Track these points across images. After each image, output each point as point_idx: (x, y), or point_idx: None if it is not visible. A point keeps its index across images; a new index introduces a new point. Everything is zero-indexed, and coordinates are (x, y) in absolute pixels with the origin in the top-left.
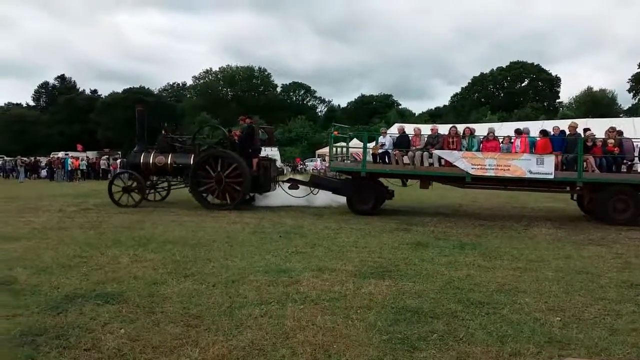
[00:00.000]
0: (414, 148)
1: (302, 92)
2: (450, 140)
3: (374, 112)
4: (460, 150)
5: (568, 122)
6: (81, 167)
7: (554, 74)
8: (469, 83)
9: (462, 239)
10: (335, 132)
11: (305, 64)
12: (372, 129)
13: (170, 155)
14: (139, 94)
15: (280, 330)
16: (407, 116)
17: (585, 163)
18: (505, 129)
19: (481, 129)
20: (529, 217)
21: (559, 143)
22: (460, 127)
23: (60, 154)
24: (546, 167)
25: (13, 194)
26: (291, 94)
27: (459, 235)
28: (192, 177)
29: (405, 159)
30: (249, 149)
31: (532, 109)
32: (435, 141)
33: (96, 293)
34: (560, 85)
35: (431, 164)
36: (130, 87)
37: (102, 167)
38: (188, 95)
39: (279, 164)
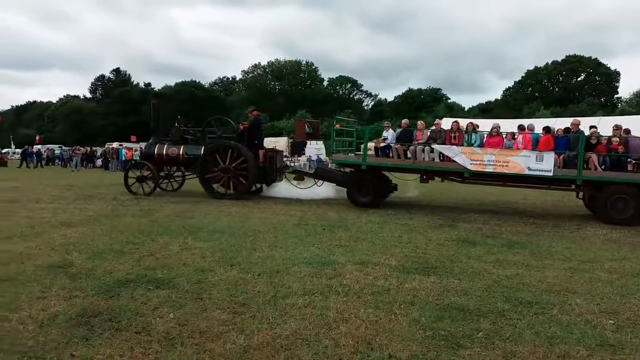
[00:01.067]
0: (415, 142)
1: (349, 85)
2: (453, 135)
3: (421, 106)
4: (462, 145)
5: (630, 118)
6: (134, 158)
7: (612, 68)
8: (522, 77)
9: (512, 237)
10: (337, 125)
11: (352, 57)
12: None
13: (182, 147)
14: (190, 88)
15: (323, 321)
16: (456, 110)
17: (588, 161)
18: (559, 124)
19: (537, 125)
20: (582, 216)
21: (562, 141)
22: (509, 123)
23: (115, 145)
24: (545, 164)
25: (69, 182)
26: (337, 87)
27: (508, 233)
28: (201, 167)
29: (408, 154)
30: (255, 141)
31: (589, 104)
32: (438, 136)
33: (147, 278)
34: (619, 80)
35: (433, 159)
36: (182, 81)
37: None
38: (237, 89)
39: (323, 157)
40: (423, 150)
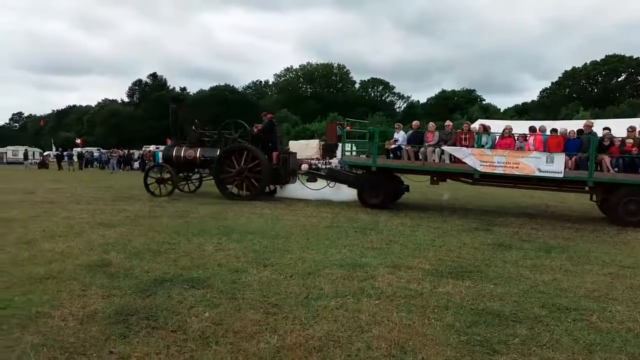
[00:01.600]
0: (426, 144)
1: (381, 88)
2: (463, 136)
3: (455, 107)
4: (473, 147)
5: None
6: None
7: None
8: (559, 77)
9: (549, 242)
10: (348, 127)
11: (384, 59)
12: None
13: (199, 150)
14: (223, 92)
15: (355, 324)
16: (491, 112)
17: (601, 163)
18: (598, 125)
19: (574, 127)
20: None
21: (574, 143)
22: (546, 124)
23: (152, 148)
24: (556, 165)
25: (107, 184)
26: (369, 90)
27: (546, 237)
28: (216, 169)
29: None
30: (269, 143)
31: (630, 105)
32: (448, 137)
33: (183, 278)
34: None
35: (443, 160)
36: (216, 85)
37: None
38: (269, 93)
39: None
40: (434, 152)
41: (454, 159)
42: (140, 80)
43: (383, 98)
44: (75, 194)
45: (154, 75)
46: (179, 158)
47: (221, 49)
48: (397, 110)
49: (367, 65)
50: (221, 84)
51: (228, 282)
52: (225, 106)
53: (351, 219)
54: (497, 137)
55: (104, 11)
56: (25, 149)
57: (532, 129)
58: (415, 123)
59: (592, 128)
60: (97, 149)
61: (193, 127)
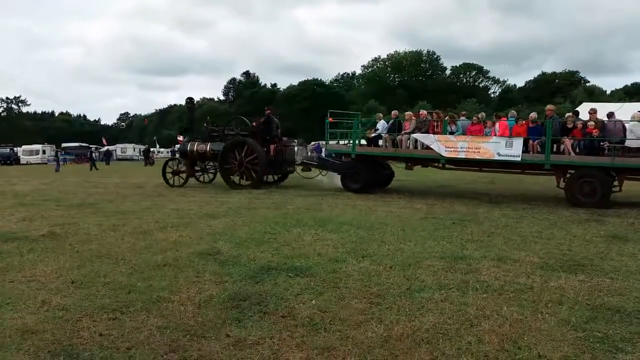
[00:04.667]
0: (402, 132)
1: (474, 73)
2: (435, 124)
3: (556, 91)
4: (444, 134)
5: None
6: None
7: None
8: None
9: None
10: (330, 119)
11: (478, 42)
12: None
13: (209, 144)
14: (312, 86)
15: (463, 317)
16: (596, 94)
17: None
18: None
19: None
20: None
21: (536, 128)
22: None
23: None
24: (514, 149)
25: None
26: (461, 75)
27: None
28: (220, 161)
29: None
30: (267, 136)
31: None
32: (422, 125)
33: (287, 266)
34: None
35: (416, 147)
36: (305, 80)
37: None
38: (357, 84)
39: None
40: (409, 139)
41: (425, 146)
42: (234, 79)
43: (476, 84)
44: (180, 187)
45: (247, 73)
46: (193, 152)
47: (311, 43)
48: (492, 95)
49: (459, 50)
50: (310, 78)
51: (329, 271)
52: (314, 100)
53: (448, 210)
54: (468, 124)
55: (200, 12)
56: (147, 147)
57: (497, 116)
58: (394, 112)
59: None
60: None
61: (204, 124)
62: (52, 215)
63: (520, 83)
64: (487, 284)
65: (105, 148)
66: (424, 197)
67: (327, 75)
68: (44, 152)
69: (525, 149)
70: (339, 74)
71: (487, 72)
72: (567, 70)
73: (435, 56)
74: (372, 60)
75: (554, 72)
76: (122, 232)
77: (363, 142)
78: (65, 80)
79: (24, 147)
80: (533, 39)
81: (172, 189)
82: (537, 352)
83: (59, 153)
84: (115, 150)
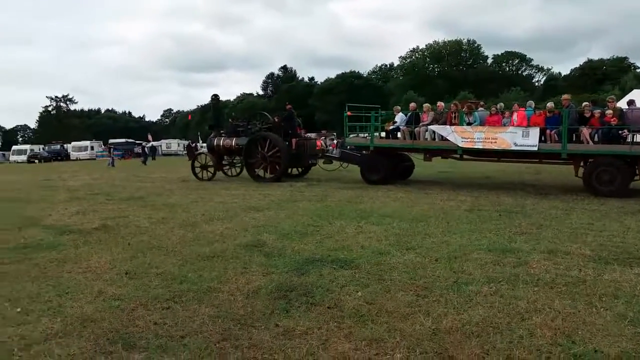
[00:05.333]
0: (420, 124)
1: (516, 61)
2: (453, 115)
3: (604, 78)
4: (461, 125)
5: None
6: (323, 147)
7: None
8: None
9: None
10: (349, 113)
11: (520, 30)
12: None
13: (234, 139)
14: (350, 78)
15: (513, 311)
16: None
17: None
18: None
19: None
20: None
21: (554, 117)
22: None
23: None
24: (531, 139)
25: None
26: (503, 64)
27: None
28: (244, 155)
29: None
30: (289, 131)
31: None
32: (440, 117)
33: (331, 258)
34: None
35: (434, 139)
36: (342, 72)
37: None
38: (395, 76)
39: None
40: (426, 131)
41: (442, 137)
42: (272, 74)
43: (519, 72)
44: (223, 180)
45: (284, 68)
46: (219, 147)
47: (347, 35)
48: (536, 84)
49: (500, 38)
50: (347, 71)
51: (373, 263)
52: (352, 92)
53: (494, 202)
54: (486, 115)
55: (235, 8)
56: (190, 142)
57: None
58: (412, 105)
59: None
60: None
61: (230, 120)
62: (103, 208)
63: (565, 71)
64: (537, 277)
65: (151, 144)
66: (468, 189)
67: (365, 67)
68: (92, 148)
69: (544, 139)
70: (376, 65)
71: (531, 60)
72: (615, 57)
73: (475, 45)
74: (410, 50)
75: (601, 58)
76: (171, 225)
77: (383, 134)
78: (110, 78)
79: (73, 143)
80: (577, 25)
81: (215, 183)
82: (593, 346)
83: (111, 149)
84: (161, 146)
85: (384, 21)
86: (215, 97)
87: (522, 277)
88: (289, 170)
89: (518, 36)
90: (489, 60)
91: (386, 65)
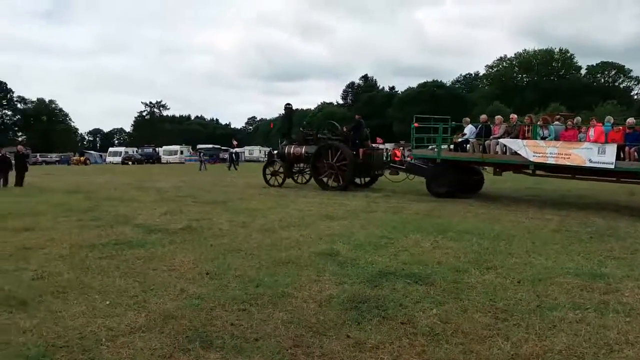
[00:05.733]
0: (491, 137)
1: (613, 72)
2: (527, 129)
3: None
4: (535, 138)
5: None
6: (403, 158)
7: None
8: None
9: None
10: (416, 124)
11: (618, 39)
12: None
13: (304, 147)
14: (432, 88)
15: (601, 341)
16: None
17: None
18: None
19: None
20: None
21: (634, 134)
22: None
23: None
24: (607, 156)
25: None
26: (598, 75)
27: None
28: (312, 163)
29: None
30: (357, 141)
31: None
32: (512, 130)
33: (405, 272)
34: None
35: (505, 152)
36: (424, 82)
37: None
38: (480, 85)
39: None
40: (497, 144)
41: (513, 151)
42: (352, 83)
43: (616, 84)
44: (299, 188)
45: (365, 77)
46: (290, 154)
47: (431, 43)
48: (635, 97)
49: (595, 47)
50: (429, 80)
51: (450, 281)
52: (433, 103)
53: (583, 223)
54: (562, 129)
55: (319, 17)
56: (271, 149)
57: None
58: (483, 117)
59: None
60: None
61: (300, 128)
62: (189, 210)
63: None
64: (630, 307)
65: (235, 149)
66: (556, 207)
67: (448, 76)
68: (181, 152)
69: (622, 156)
70: (460, 75)
71: (629, 71)
72: None
73: (568, 54)
74: (497, 59)
75: None
76: (250, 229)
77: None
78: (199, 85)
79: (164, 147)
80: None
81: (292, 190)
82: None
83: (201, 154)
84: (244, 152)
85: (471, 28)
86: (288, 106)
87: (613, 305)
88: (357, 180)
89: (616, 45)
90: (583, 71)
91: (471, 75)
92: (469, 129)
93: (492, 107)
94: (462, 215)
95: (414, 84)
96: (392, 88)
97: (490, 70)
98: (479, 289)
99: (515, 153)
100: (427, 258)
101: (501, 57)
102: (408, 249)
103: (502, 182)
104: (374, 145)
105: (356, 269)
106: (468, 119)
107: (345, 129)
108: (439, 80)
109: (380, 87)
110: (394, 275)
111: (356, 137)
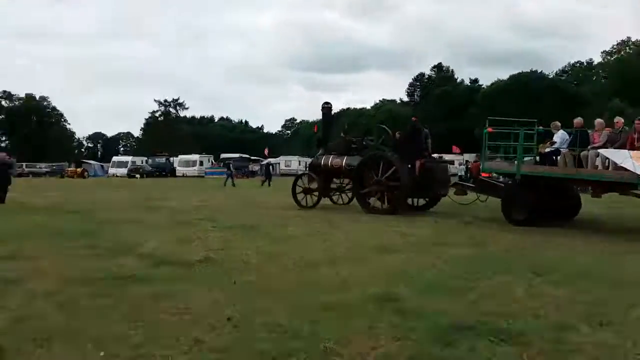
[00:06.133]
0: (590, 146)
1: None
2: (636, 136)
3: None
4: None
5: None
6: (459, 173)
7: None
8: None
9: None
10: (489, 129)
11: None
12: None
13: (345, 158)
14: (527, 80)
15: None
16: None
17: None
18: None
19: None
20: None
21: None
22: None
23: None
24: None
25: None
26: None
27: None
28: (353, 179)
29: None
30: (413, 150)
31: None
32: (617, 138)
33: (488, 327)
34: None
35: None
36: (518, 73)
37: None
38: (594, 77)
39: None
40: (597, 156)
41: (617, 165)
42: (422, 74)
43: None
44: (346, 210)
45: (438, 67)
46: (326, 166)
47: (527, 22)
48: None
49: None
50: (525, 71)
51: (551, 340)
52: (529, 99)
53: None
54: None
55: None
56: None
57: None
58: (577, 120)
59: None
60: None
61: (342, 134)
62: (208, 236)
63: None
64: None
65: (267, 160)
66: None
67: (550, 66)
68: (201, 163)
69: None
70: (568, 63)
71: None
72: None
73: None
74: (618, 43)
75: None
76: (284, 263)
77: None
78: (225, 79)
79: (180, 157)
80: None
81: (338, 212)
82: None
83: (230, 165)
84: (279, 164)
85: (582, 3)
86: (326, 106)
87: None
88: (411, 201)
89: None
90: None
91: (582, 64)
92: (560, 136)
93: (611, 104)
94: (572, 249)
95: (504, 76)
96: (475, 81)
97: (609, 57)
98: (590, 352)
99: (620, 167)
100: (519, 309)
101: (623, 41)
102: (494, 295)
103: (620, 204)
104: (436, 155)
105: (422, 320)
106: (559, 124)
107: (397, 135)
108: (538, 71)
109: (459, 80)
110: (473, 330)
111: (411, 146)
